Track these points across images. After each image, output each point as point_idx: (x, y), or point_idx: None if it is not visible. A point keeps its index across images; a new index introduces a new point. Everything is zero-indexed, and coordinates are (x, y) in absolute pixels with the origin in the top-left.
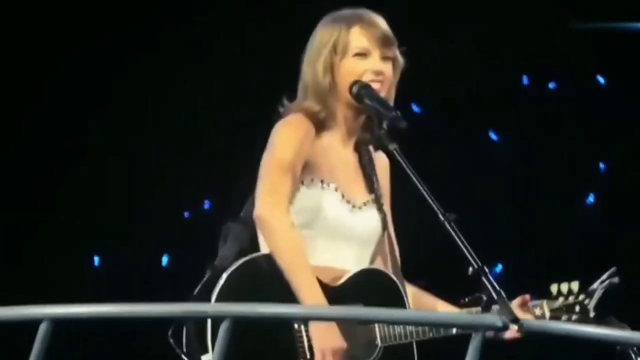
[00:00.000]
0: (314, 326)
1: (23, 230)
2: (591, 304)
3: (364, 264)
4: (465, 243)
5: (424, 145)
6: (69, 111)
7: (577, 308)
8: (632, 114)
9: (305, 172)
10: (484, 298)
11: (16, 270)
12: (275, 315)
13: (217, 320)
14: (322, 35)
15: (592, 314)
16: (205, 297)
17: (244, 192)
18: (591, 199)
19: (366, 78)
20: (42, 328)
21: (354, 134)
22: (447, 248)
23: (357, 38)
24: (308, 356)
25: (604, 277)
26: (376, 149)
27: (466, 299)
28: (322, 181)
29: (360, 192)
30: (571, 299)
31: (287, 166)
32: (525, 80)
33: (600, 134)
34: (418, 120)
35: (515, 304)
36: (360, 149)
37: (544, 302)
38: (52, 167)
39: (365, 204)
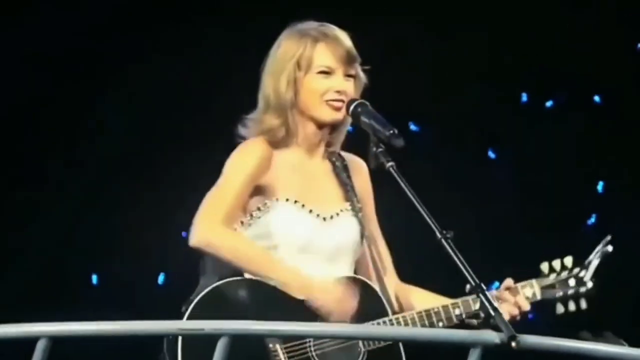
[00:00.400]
0: (320, 306)
1: (19, 248)
2: (587, 275)
3: (341, 275)
4: (463, 260)
5: (421, 162)
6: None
7: (573, 282)
8: (629, 132)
9: (262, 197)
10: (482, 315)
11: (12, 285)
12: (271, 332)
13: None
14: (286, 49)
15: (589, 285)
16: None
17: None
18: (592, 219)
19: (328, 97)
20: (40, 346)
21: (318, 147)
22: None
23: (322, 56)
24: None
25: (599, 246)
26: (374, 166)
27: (467, 287)
28: (286, 200)
29: (331, 202)
30: (564, 274)
31: (229, 194)
32: (524, 97)
33: (599, 152)
34: (415, 138)
35: (502, 289)
36: (332, 159)
37: (534, 281)
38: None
39: (338, 214)
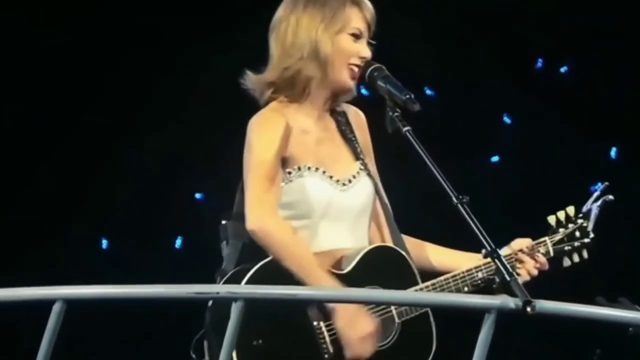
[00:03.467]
0: (339, 317)
1: (31, 212)
2: (590, 225)
3: (363, 237)
4: (479, 225)
5: (438, 127)
6: (75, 96)
7: (578, 233)
8: None
9: (286, 165)
10: (497, 280)
11: (25, 251)
12: (287, 296)
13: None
14: (321, 6)
15: (591, 236)
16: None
17: (232, 184)
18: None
19: (352, 61)
20: (56, 308)
21: (327, 104)
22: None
23: (356, 17)
24: (332, 350)
25: (597, 194)
26: (390, 130)
27: (482, 252)
28: (308, 168)
29: (346, 165)
30: (570, 226)
31: (268, 170)
32: (539, 63)
33: (596, 158)
34: (431, 103)
35: (517, 247)
36: (335, 116)
37: (547, 239)
38: (61, 149)
39: (354, 176)
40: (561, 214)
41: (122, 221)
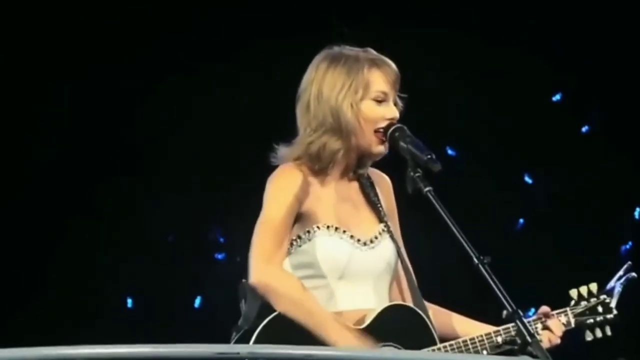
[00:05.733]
0: None
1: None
2: (613, 302)
3: (384, 299)
4: (500, 286)
5: (458, 187)
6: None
7: (600, 308)
8: None
9: (302, 224)
10: (518, 341)
11: (50, 307)
12: (305, 356)
13: None
14: (340, 72)
15: (615, 312)
16: None
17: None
18: (628, 245)
19: (381, 124)
20: None
21: (352, 168)
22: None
23: (378, 80)
24: None
25: (621, 272)
26: (411, 190)
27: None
28: (327, 227)
29: (368, 226)
30: (593, 300)
31: (278, 227)
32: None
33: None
34: (452, 163)
35: (539, 316)
36: (360, 179)
37: (568, 309)
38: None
39: (376, 237)
40: (583, 289)
41: (147, 281)
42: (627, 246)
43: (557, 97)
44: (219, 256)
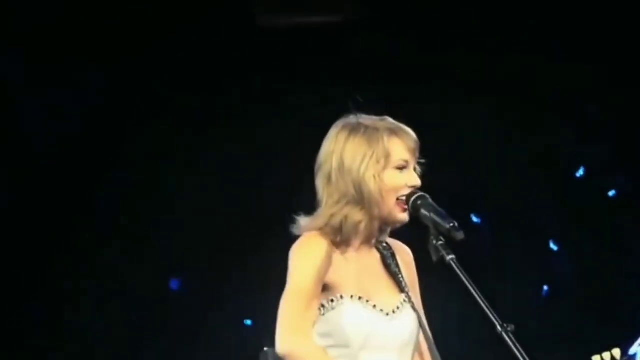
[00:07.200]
0: None
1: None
2: None
3: None
4: (524, 354)
5: (483, 254)
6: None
7: None
8: None
9: (327, 293)
10: None
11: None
12: None
13: None
14: (360, 143)
15: None
16: None
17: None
18: None
19: (403, 192)
20: None
21: (373, 237)
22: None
23: (398, 149)
24: None
25: None
26: (434, 259)
27: None
28: (350, 297)
29: (390, 296)
30: None
31: (306, 297)
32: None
33: None
34: (477, 230)
35: None
36: (381, 249)
37: None
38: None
39: (398, 307)
40: (606, 355)
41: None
42: None
43: (580, 173)
44: (248, 322)
